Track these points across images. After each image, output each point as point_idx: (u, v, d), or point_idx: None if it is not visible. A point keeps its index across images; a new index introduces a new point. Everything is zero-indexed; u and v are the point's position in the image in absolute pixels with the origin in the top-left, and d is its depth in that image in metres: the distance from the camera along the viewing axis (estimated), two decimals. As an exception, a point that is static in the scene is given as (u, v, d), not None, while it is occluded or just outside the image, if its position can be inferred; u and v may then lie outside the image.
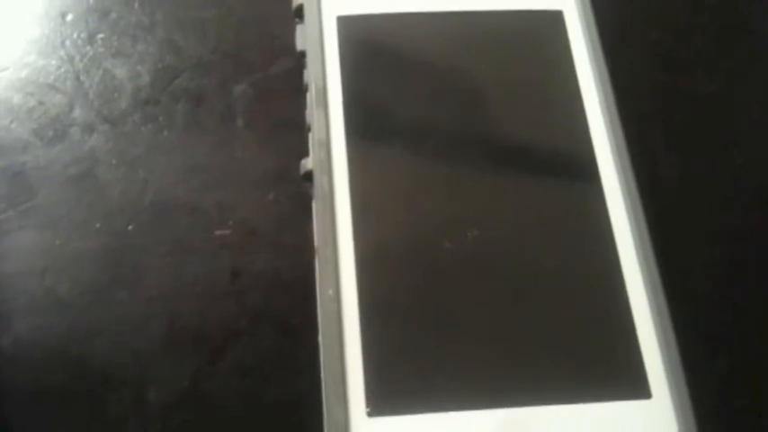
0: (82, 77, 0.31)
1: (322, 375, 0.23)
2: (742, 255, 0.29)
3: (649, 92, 0.32)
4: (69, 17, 0.33)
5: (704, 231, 0.29)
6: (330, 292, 0.24)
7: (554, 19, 0.30)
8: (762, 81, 0.33)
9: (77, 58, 0.32)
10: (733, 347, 0.27)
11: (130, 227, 0.29)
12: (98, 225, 0.29)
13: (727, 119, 0.32)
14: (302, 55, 0.29)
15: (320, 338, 0.24)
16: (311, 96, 0.27)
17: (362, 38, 0.29)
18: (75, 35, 0.32)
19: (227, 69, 0.32)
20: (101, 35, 0.32)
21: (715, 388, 0.26)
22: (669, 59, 0.33)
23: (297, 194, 0.29)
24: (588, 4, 0.30)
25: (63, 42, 0.32)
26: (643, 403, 0.24)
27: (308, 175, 0.27)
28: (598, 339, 0.24)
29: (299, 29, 0.29)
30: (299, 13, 0.29)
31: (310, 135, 0.27)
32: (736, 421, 0.26)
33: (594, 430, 0.23)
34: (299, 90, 0.29)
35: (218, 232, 0.29)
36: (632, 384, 0.24)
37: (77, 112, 0.31)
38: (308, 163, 0.27)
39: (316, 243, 0.26)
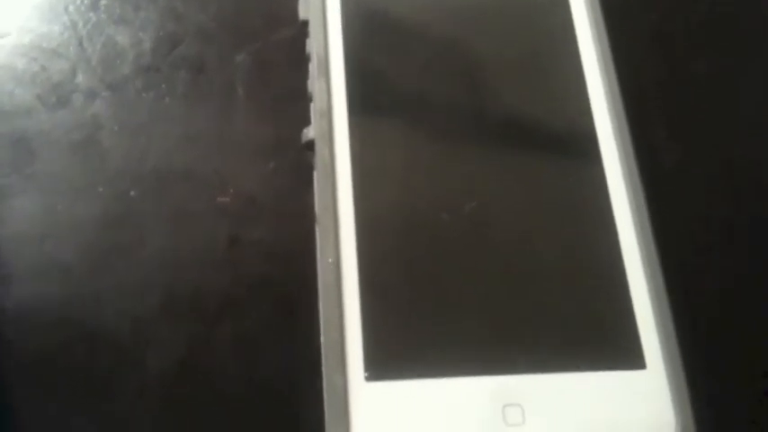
0: (85, 44, 0.31)
1: (321, 341, 0.24)
2: (738, 234, 0.29)
3: (650, 75, 0.32)
4: (73, -17, 0.33)
5: (701, 211, 0.30)
6: (330, 259, 0.24)
7: (558, -3, 0.30)
8: (758, 64, 0.33)
9: (80, 24, 0.32)
10: (727, 322, 0.28)
11: (132, 192, 0.29)
12: (100, 190, 0.29)
13: (729, 103, 0.32)
14: (304, 24, 0.29)
15: (320, 305, 0.24)
16: (313, 66, 0.28)
17: (366, 7, 0.29)
18: (78, 1, 0.32)
19: (228, 38, 0.32)
20: (104, 1, 0.32)
21: (708, 360, 0.26)
22: (671, 42, 0.33)
23: (297, 164, 0.29)
24: (591, -16, 0.30)
25: (66, 8, 0.32)
26: (637, 373, 0.24)
27: (310, 145, 0.27)
28: (594, 310, 0.25)
29: (301, -3, 0.29)
30: (302, -20, 0.29)
31: (312, 105, 0.27)
32: (727, 392, 0.27)
33: (589, 399, 0.23)
34: (301, 59, 0.29)
35: (218, 200, 0.29)
36: (627, 355, 0.24)
37: (80, 78, 0.31)
38: (309, 132, 0.27)
39: (316, 211, 0.26)
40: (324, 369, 0.23)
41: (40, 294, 0.27)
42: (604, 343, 0.24)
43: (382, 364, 0.23)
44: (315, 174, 0.26)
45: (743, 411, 0.27)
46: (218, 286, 0.27)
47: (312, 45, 0.28)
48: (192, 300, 0.27)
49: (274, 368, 0.26)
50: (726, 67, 0.32)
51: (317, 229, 0.25)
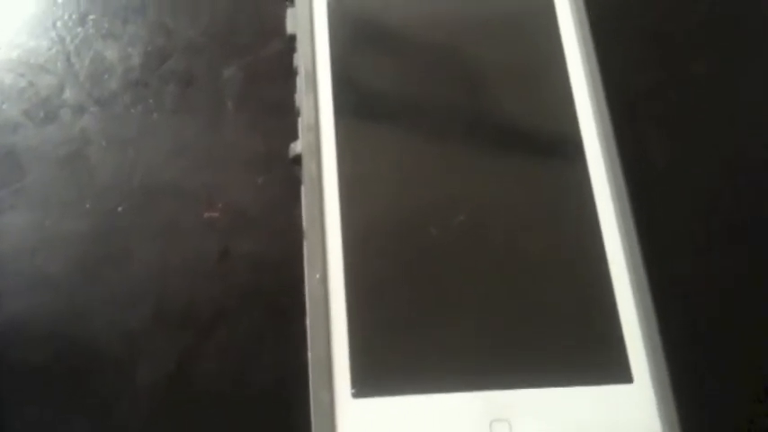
0: (73, 59, 0.31)
1: (308, 357, 0.24)
2: (728, 240, 0.29)
3: (650, 75, 0.32)
4: (61, -2, 0.33)
5: (691, 216, 0.29)
6: (317, 275, 0.24)
7: (544, -1, 0.30)
8: (757, 64, 0.33)
9: (68, 39, 0.32)
10: (715, 333, 0.28)
11: (120, 208, 0.29)
12: (88, 206, 0.29)
13: (729, 103, 0.32)
14: (292, 38, 0.29)
15: (307, 321, 0.24)
16: (300, 80, 0.27)
17: (353, 21, 0.29)
18: (66, 16, 0.32)
19: (218, 52, 0.32)
20: (92, 16, 0.32)
21: (696, 373, 0.26)
22: (670, 42, 0.33)
23: (286, 177, 0.29)
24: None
25: (54, 23, 0.32)
26: (624, 388, 0.24)
27: (297, 159, 0.27)
28: (581, 324, 0.25)
29: (289, 12, 0.29)
30: (290, -5, 0.29)
31: (299, 119, 0.27)
32: (716, 406, 0.26)
33: (577, 413, 0.23)
34: (290, 73, 0.29)
35: (206, 214, 0.29)
36: (614, 369, 0.24)
37: (68, 94, 0.31)
38: (296, 147, 0.27)
39: (304, 227, 0.26)
40: (311, 385, 0.23)
41: (30, 308, 0.27)
42: (591, 357, 0.24)
43: (369, 380, 0.23)
44: (302, 188, 0.26)
45: (743, 411, 0.27)
46: (210, 298, 0.27)
47: (299, 59, 0.28)
48: (183, 311, 0.27)
49: (264, 380, 0.26)
50: (726, 67, 0.32)
51: (305, 244, 0.25)
